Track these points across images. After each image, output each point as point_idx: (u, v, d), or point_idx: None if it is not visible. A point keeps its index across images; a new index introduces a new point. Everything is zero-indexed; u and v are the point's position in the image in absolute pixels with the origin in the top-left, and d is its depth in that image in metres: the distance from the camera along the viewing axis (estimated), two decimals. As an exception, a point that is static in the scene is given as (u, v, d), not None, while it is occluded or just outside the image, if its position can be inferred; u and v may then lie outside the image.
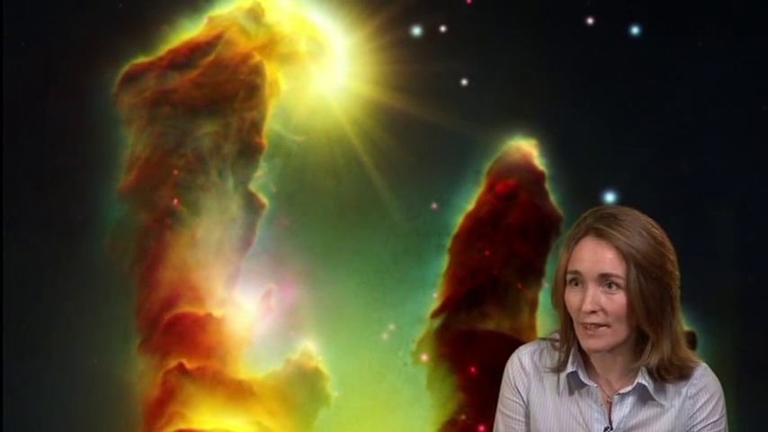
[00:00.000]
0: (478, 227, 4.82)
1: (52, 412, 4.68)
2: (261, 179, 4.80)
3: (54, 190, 4.71)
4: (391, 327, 4.79)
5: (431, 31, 4.82)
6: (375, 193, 4.80)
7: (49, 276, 4.69)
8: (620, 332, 2.33)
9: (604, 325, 2.32)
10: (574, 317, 2.36)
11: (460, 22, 4.84)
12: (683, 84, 4.83)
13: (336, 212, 4.80)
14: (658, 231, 2.36)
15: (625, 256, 2.31)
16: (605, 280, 2.31)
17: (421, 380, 4.79)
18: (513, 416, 2.51)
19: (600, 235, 2.34)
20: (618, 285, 2.31)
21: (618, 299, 2.31)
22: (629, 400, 2.40)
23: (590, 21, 4.86)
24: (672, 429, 2.41)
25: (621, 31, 4.87)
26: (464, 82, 4.84)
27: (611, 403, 2.41)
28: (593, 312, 2.30)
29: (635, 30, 4.86)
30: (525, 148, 4.86)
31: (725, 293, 4.80)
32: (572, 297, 2.35)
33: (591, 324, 2.31)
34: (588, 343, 2.34)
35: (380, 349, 4.78)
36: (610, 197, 4.77)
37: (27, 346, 4.68)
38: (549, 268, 4.83)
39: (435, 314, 4.80)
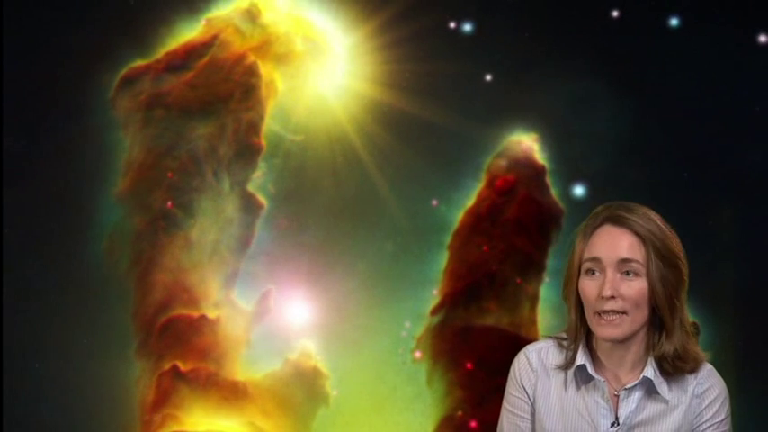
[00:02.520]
0: (478, 222, 4.81)
1: (51, 415, 4.69)
2: (259, 179, 4.80)
3: (53, 194, 4.72)
4: (407, 324, 4.79)
5: (439, 29, 4.80)
6: (375, 191, 4.78)
7: (48, 280, 4.70)
8: (636, 320, 2.33)
9: (621, 312, 2.31)
10: (589, 306, 2.35)
11: (471, 20, 4.82)
12: (703, 78, 4.80)
13: (336, 212, 4.79)
14: (666, 223, 2.37)
15: (644, 240, 2.31)
16: (624, 266, 2.31)
17: (420, 377, 4.77)
18: (519, 413, 2.50)
19: (618, 222, 2.34)
20: (636, 272, 2.31)
21: (636, 285, 2.31)
22: (636, 395, 2.38)
23: (615, 13, 4.82)
24: (678, 428, 2.40)
25: (651, 23, 4.82)
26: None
27: (617, 398, 2.39)
28: (612, 298, 2.30)
29: (674, 21, 4.81)
30: (526, 142, 4.84)
31: (726, 285, 4.76)
32: (589, 286, 2.34)
33: (608, 311, 2.31)
34: (605, 331, 2.33)
35: (380, 348, 4.76)
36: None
37: (26, 350, 4.69)
38: (551, 262, 4.79)
39: (435, 311, 4.78)
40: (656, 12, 4.82)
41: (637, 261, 2.32)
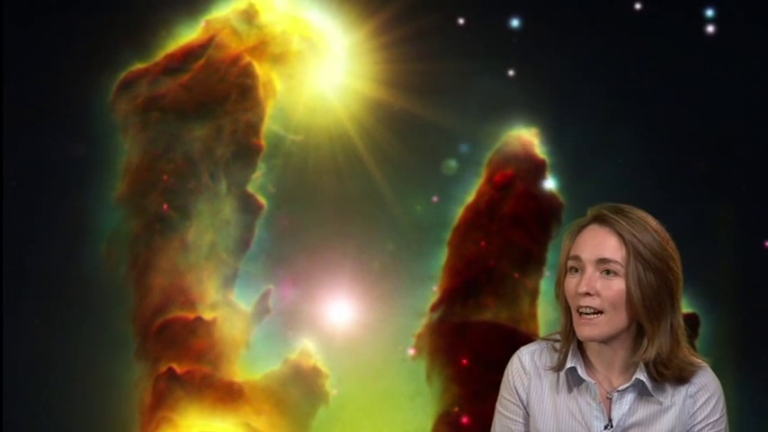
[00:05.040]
0: (476, 218, 4.80)
1: (51, 419, 4.72)
2: (259, 180, 4.80)
3: (52, 198, 4.75)
4: (424, 320, 4.81)
5: (439, 27, 4.79)
6: (376, 189, 4.78)
7: (48, 284, 4.73)
8: (615, 321, 2.32)
9: (599, 311, 2.30)
10: (571, 303, 2.34)
11: (479, 18, 4.82)
12: (711, 72, 4.77)
13: (337, 210, 4.79)
14: (663, 230, 2.35)
15: (626, 243, 2.30)
16: (604, 265, 2.30)
17: (420, 375, 4.76)
18: (511, 416, 2.49)
19: (603, 222, 2.34)
20: (616, 273, 2.30)
21: (615, 285, 2.30)
22: (629, 398, 2.37)
23: (638, 6, 4.80)
24: (672, 429, 2.38)
25: (673, 18, 4.80)
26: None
27: (610, 401, 2.38)
28: (588, 295, 2.30)
29: (709, 12, 4.78)
30: (526, 137, 4.82)
31: (726, 276, 4.74)
32: (570, 284, 2.34)
33: (586, 308, 2.30)
34: (583, 331, 2.32)
35: (379, 346, 4.76)
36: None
37: (27, 353, 4.72)
38: (551, 256, 4.79)
39: (434, 307, 4.78)
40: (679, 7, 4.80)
41: (615, 261, 2.30)
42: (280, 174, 4.81)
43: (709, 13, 4.75)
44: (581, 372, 2.39)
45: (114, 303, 4.74)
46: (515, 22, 4.80)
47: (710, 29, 4.76)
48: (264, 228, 4.80)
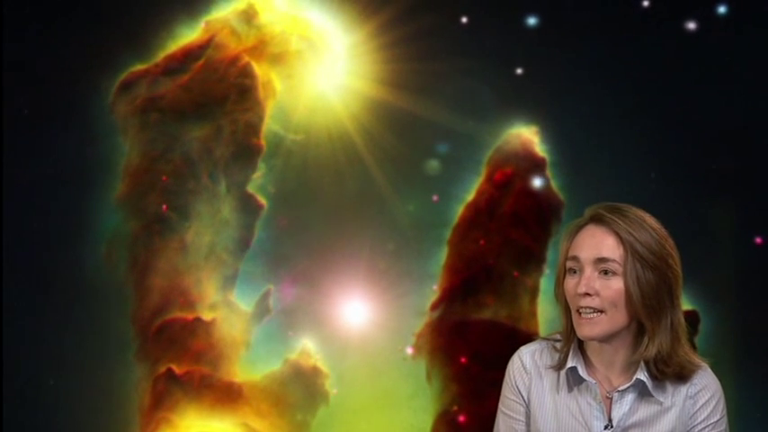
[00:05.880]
0: (476, 216, 4.80)
1: (52, 419, 4.73)
2: (259, 180, 4.80)
3: (53, 199, 4.75)
4: (421, 322, 4.81)
5: (439, 26, 4.79)
6: (376, 188, 4.77)
7: (49, 286, 4.74)
8: (615, 320, 2.32)
9: (599, 311, 2.30)
10: (571, 304, 2.35)
11: (480, 17, 4.81)
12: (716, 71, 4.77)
13: (337, 210, 4.79)
14: (661, 228, 2.36)
15: (624, 242, 2.30)
16: (602, 264, 2.30)
17: (420, 374, 4.76)
18: (514, 416, 2.50)
19: (601, 221, 2.34)
20: (614, 272, 2.30)
21: (614, 284, 2.30)
22: (629, 398, 2.37)
23: (645, 3, 4.79)
24: (673, 429, 2.38)
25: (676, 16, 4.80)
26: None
27: (610, 401, 2.39)
28: (588, 295, 2.30)
29: (721, 9, 4.78)
30: (526, 135, 4.82)
31: (725, 273, 4.73)
32: (570, 284, 2.35)
33: (586, 308, 2.31)
34: (583, 330, 2.33)
35: (379, 345, 4.76)
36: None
37: (27, 355, 4.73)
38: (551, 254, 4.79)
39: (434, 306, 4.78)
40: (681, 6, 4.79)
41: (614, 260, 2.31)
42: (280, 174, 4.81)
43: (716, 11, 4.75)
44: (581, 371, 2.39)
45: (114, 304, 4.75)
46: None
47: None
48: (264, 228, 4.80)
